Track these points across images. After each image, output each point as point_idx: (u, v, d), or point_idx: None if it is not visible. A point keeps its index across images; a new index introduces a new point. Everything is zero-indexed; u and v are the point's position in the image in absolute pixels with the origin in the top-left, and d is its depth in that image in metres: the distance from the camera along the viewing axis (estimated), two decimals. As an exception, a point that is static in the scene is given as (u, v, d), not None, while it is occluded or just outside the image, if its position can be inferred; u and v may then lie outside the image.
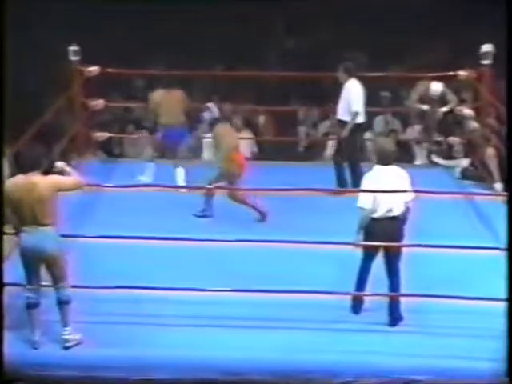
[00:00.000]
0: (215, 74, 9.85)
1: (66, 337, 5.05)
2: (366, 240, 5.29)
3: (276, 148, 9.31)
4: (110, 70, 8.03)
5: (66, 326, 5.05)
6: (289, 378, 4.89)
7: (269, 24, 11.52)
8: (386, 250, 5.30)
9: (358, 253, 5.37)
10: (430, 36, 10.39)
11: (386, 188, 5.21)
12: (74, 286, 5.11)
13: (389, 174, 5.30)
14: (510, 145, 5.05)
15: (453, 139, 8.35)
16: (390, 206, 5.25)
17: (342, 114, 7.43)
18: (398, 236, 5.31)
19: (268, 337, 5.15)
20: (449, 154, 8.54)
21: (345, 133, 7.36)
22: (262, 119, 9.84)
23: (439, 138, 8.46)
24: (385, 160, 5.30)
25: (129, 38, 10.84)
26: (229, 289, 5.34)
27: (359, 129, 7.51)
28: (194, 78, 10.03)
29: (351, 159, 7.51)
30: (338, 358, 4.98)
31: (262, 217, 6.75)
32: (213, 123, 6.75)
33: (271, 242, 5.45)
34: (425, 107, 8.34)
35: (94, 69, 7.92)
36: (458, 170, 7.95)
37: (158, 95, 7.52)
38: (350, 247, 5.36)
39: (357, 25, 10.77)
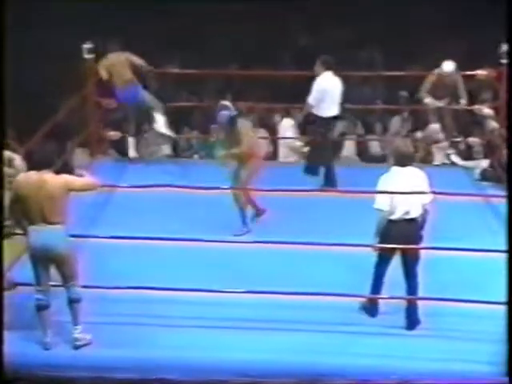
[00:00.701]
0: (229, 73, 9.77)
1: (77, 335, 5.03)
2: (382, 242, 5.20)
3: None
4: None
5: (76, 325, 5.04)
6: (301, 381, 4.85)
7: (284, 23, 11.44)
8: (404, 252, 5.20)
9: (375, 255, 5.28)
10: (447, 35, 10.27)
11: (403, 190, 5.13)
12: (84, 287, 5.10)
13: (406, 175, 5.22)
14: (510, 144, 4.96)
15: (472, 140, 8.23)
16: (407, 207, 5.16)
17: (315, 108, 7.43)
18: (416, 238, 5.22)
19: (281, 339, 5.11)
20: (468, 155, 8.42)
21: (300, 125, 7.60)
22: (277, 118, 9.75)
23: (458, 139, 8.33)
24: (402, 161, 5.22)
25: (143, 36, 10.79)
26: (240, 290, 5.30)
27: (325, 123, 7.46)
28: (209, 77, 9.98)
29: (312, 156, 7.52)
30: (349, 360, 4.94)
31: (258, 214, 6.63)
32: (231, 122, 6.60)
33: (285, 243, 5.42)
34: (438, 103, 8.18)
35: (108, 67, 7.85)
36: (477, 171, 7.82)
37: (108, 61, 7.78)
38: (365, 249, 5.30)
39: (372, 24, 10.69)
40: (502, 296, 4.88)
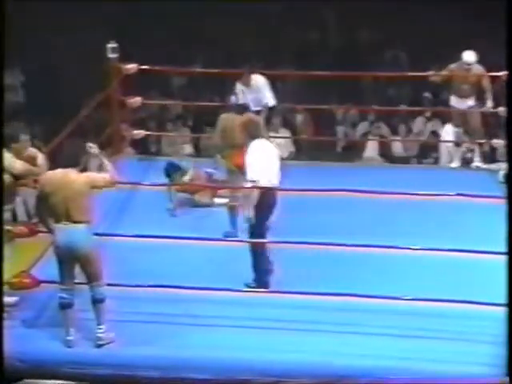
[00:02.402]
0: (253, 73, 9.77)
1: (100, 335, 5.03)
2: (257, 211, 5.46)
3: (314, 148, 9.23)
4: (147, 67, 8.01)
5: (100, 325, 5.04)
6: (323, 381, 4.84)
7: (309, 22, 11.44)
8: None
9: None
10: (470, 36, 10.22)
11: (269, 158, 5.56)
12: (108, 285, 5.11)
13: (266, 145, 5.64)
14: (510, 144, 4.90)
15: (496, 142, 8.14)
16: (272, 175, 5.56)
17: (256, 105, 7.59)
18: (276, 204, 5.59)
19: (304, 339, 5.09)
20: (492, 157, 8.34)
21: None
22: (299, 118, 9.76)
23: (482, 140, 8.23)
24: (256, 134, 5.64)
25: (168, 36, 10.85)
26: (262, 290, 5.31)
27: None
28: (231, 77, 10.00)
29: None
30: (368, 361, 4.92)
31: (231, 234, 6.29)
32: (235, 109, 6.42)
33: (306, 243, 5.43)
34: (465, 104, 8.00)
35: (132, 66, 7.89)
36: (501, 174, 7.75)
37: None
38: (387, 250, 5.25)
39: (398, 24, 10.66)
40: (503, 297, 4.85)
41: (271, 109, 7.66)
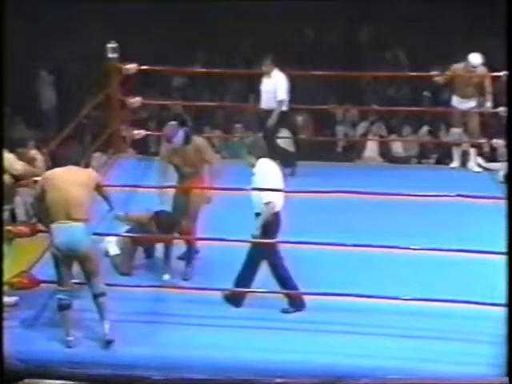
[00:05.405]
0: (252, 73, 9.77)
1: (106, 331, 4.98)
2: (265, 234, 5.26)
3: (314, 148, 9.22)
4: (147, 67, 8.01)
5: (104, 320, 5.00)
6: (324, 381, 4.83)
7: (307, 23, 11.45)
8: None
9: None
10: (471, 36, 10.23)
11: (279, 179, 5.34)
12: (108, 285, 5.12)
13: (272, 166, 5.39)
14: (510, 144, 4.91)
15: (496, 142, 8.14)
16: (281, 198, 5.31)
17: (267, 103, 7.55)
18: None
19: (304, 340, 5.11)
20: (493, 157, 8.33)
21: (271, 121, 7.50)
22: (299, 118, 9.75)
23: (482, 140, 8.22)
24: (263, 154, 5.40)
25: (168, 36, 10.86)
26: (262, 290, 5.32)
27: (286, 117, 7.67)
28: (232, 77, 10.02)
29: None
30: (368, 361, 4.93)
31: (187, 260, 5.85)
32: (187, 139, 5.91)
33: (308, 243, 5.40)
34: (465, 103, 7.99)
35: (131, 66, 7.90)
36: (501, 174, 7.75)
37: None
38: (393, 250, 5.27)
39: (397, 24, 10.67)
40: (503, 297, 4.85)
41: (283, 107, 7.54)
